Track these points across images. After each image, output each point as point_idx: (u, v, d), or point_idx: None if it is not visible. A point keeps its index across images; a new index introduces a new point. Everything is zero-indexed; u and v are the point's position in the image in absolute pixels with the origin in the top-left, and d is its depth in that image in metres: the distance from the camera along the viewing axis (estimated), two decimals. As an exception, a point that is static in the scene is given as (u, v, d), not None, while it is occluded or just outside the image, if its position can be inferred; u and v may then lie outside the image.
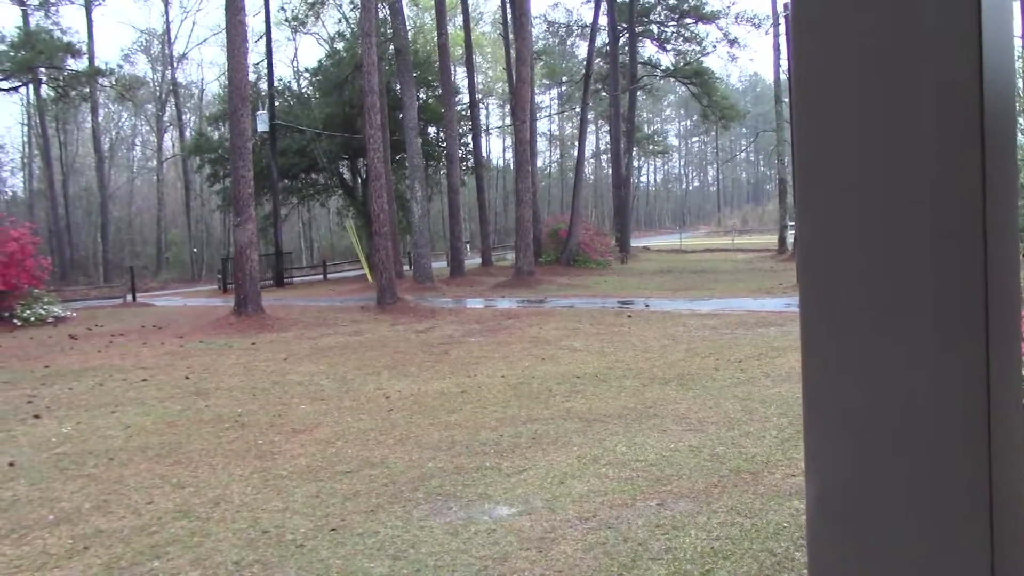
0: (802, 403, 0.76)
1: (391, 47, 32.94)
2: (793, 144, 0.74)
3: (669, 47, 48.09)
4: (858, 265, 0.71)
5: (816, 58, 0.71)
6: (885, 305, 0.70)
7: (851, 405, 0.73)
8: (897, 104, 0.68)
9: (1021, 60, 6.28)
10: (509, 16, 35.45)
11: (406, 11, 37.26)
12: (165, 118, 57.35)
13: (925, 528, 0.71)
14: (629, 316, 17.37)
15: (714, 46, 46.34)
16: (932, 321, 0.68)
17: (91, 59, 42.35)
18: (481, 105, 57.81)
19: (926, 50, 0.67)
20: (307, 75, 43.25)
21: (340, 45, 40.87)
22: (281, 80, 42.63)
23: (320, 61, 41.26)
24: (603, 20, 40.01)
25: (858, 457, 0.73)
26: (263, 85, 36.19)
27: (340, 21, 42.08)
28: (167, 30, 54.26)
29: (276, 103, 35.31)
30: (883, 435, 0.71)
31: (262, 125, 32.17)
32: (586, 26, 47.39)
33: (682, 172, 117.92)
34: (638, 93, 47.76)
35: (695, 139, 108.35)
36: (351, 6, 38.34)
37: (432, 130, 40.61)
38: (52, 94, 39.19)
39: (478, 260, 38.24)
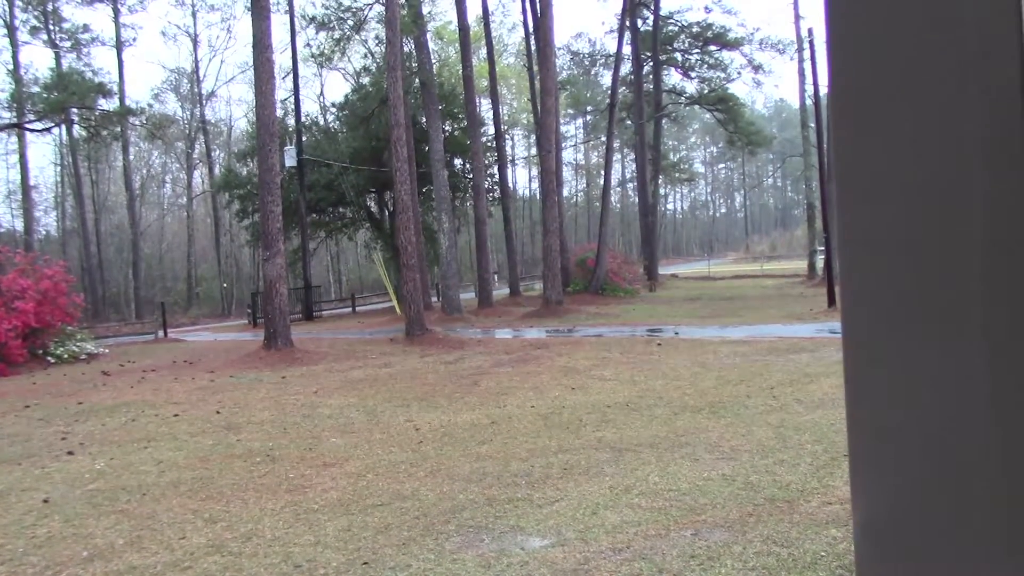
0: (846, 426, 0.74)
1: (416, 80, 33.24)
2: (829, 161, 0.72)
3: (694, 74, 48.28)
4: (903, 283, 0.69)
5: (854, 72, 0.70)
6: (933, 322, 0.68)
7: (899, 427, 0.70)
8: (940, 115, 0.67)
9: None
10: (533, 48, 35.66)
11: (431, 44, 37.65)
12: (195, 155, 58.26)
13: (979, 554, 0.68)
14: (659, 344, 17.27)
15: (739, 72, 46.45)
16: (983, 338, 0.66)
17: (122, 99, 43.09)
18: (507, 136, 58.20)
19: (967, 60, 0.65)
20: (334, 110, 43.80)
21: (366, 80, 41.28)
22: (308, 115, 43.16)
23: (346, 96, 41.71)
24: (627, 49, 40.20)
25: (907, 481, 0.71)
26: (291, 121, 36.60)
27: (366, 56, 42.51)
28: (196, 69, 55.32)
29: (304, 138, 35.70)
30: (933, 457, 0.69)
31: (290, 160, 32.49)
32: (610, 56, 47.71)
33: (709, 199, 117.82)
34: (663, 121, 47.84)
35: (721, 166, 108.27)
36: (376, 41, 38.76)
37: (458, 162, 40.85)
38: (84, 134, 39.79)
39: (506, 290, 38.24)
